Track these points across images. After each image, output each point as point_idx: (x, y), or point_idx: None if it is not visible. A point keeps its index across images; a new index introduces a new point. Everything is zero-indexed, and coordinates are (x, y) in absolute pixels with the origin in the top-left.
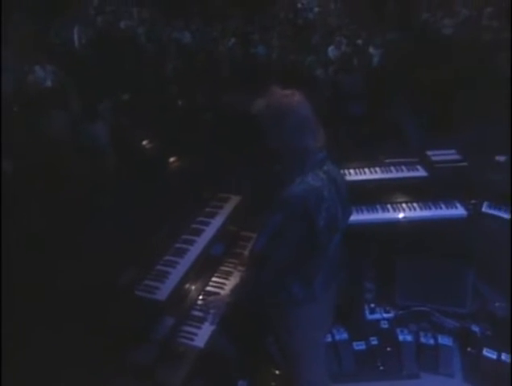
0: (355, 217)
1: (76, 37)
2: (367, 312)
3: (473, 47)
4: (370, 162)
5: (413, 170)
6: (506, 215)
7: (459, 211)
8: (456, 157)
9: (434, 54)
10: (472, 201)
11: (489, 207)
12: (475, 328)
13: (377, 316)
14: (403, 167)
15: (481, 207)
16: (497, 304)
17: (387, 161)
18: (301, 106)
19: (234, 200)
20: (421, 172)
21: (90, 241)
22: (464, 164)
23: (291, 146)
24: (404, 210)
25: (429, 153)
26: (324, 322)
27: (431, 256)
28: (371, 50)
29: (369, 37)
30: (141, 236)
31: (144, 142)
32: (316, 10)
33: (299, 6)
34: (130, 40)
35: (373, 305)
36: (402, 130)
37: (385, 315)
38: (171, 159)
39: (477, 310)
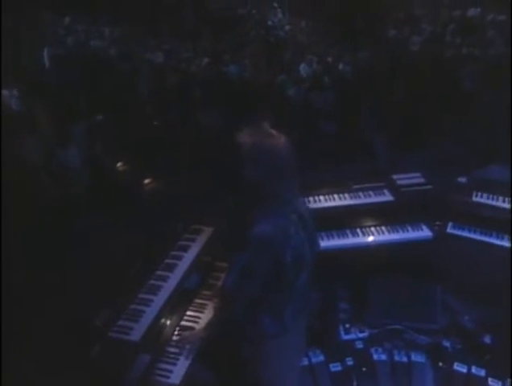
0: (326, 243)
1: (45, 58)
2: (342, 332)
3: (438, 64)
4: (339, 188)
5: (380, 195)
6: (471, 235)
7: (425, 232)
8: (421, 180)
9: (401, 71)
10: (437, 222)
11: (454, 227)
12: (446, 343)
13: (352, 336)
14: (371, 192)
15: (446, 227)
16: (466, 317)
17: (355, 186)
18: (284, 150)
19: (207, 232)
20: (388, 196)
21: (59, 279)
22: (429, 187)
23: (265, 187)
24: (373, 233)
25: (395, 177)
26: (296, 350)
27: (402, 276)
28: (341, 67)
29: (339, 54)
30: (114, 274)
31: (119, 164)
32: (287, 27)
33: (270, 23)
34: (102, 61)
35: (348, 326)
36: (372, 147)
37: (360, 335)
38: (146, 181)
39: (448, 325)
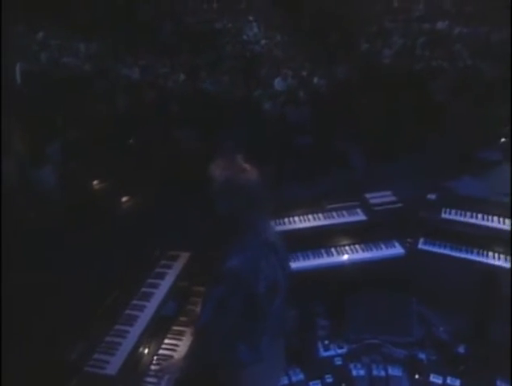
0: (302, 263)
1: (18, 74)
2: (321, 349)
3: (409, 76)
4: (314, 209)
5: (353, 215)
6: (441, 250)
7: (397, 249)
8: (392, 198)
9: (374, 83)
10: (409, 239)
11: (425, 243)
12: (421, 355)
13: (331, 353)
14: (344, 212)
15: (418, 243)
16: (441, 329)
17: (329, 206)
18: (256, 185)
19: (184, 257)
20: (361, 216)
21: (31, 310)
22: (400, 205)
23: (236, 220)
24: (348, 252)
25: (368, 195)
26: (274, 375)
27: (378, 291)
28: (316, 81)
29: (313, 68)
30: (89, 305)
31: (95, 183)
32: (263, 42)
33: (245, 38)
34: (77, 77)
35: (326, 342)
36: (348, 160)
37: (338, 351)
38: (124, 199)
39: (423, 337)
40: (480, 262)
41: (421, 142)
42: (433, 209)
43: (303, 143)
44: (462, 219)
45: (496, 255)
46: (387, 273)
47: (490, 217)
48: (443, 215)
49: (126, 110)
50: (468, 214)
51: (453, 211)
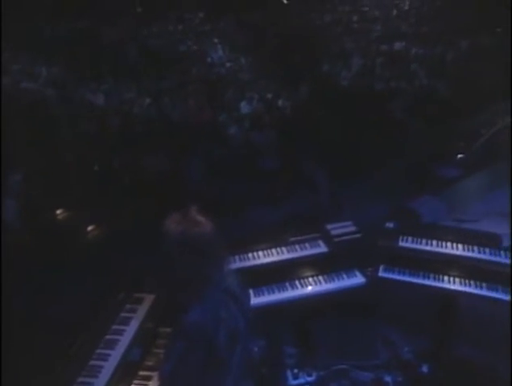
0: (268, 297)
1: None
2: (290, 378)
3: (370, 97)
4: (277, 242)
5: (315, 247)
6: (400, 277)
7: (359, 278)
8: (352, 228)
9: (336, 104)
10: (370, 268)
11: (385, 270)
12: (388, 378)
13: (300, 381)
14: (307, 244)
15: (378, 271)
16: (405, 349)
17: (292, 239)
18: (211, 237)
19: (149, 300)
20: (322, 248)
21: None
22: (359, 235)
23: (193, 273)
24: (311, 284)
25: (329, 227)
26: None
27: (344, 317)
28: (280, 103)
29: (278, 91)
30: (50, 356)
31: (58, 212)
32: (228, 64)
33: (209, 60)
34: (38, 103)
35: (296, 371)
36: (313, 182)
37: (308, 379)
38: (89, 228)
39: (389, 359)
40: (436, 287)
41: (383, 162)
42: (391, 237)
43: (268, 167)
44: (418, 246)
45: (451, 279)
46: (351, 300)
47: (444, 243)
48: (400, 243)
49: (90, 136)
50: (424, 241)
51: (410, 239)
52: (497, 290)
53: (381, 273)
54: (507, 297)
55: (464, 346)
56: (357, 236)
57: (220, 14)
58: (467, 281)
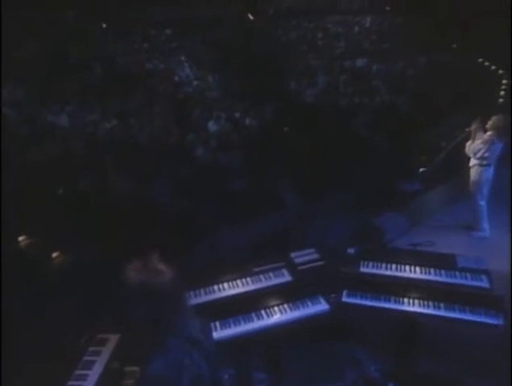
0: (234, 330)
1: None
2: None
3: (334, 113)
4: (242, 273)
5: (280, 276)
6: (362, 301)
7: (323, 305)
8: (315, 256)
9: (301, 122)
10: (333, 295)
11: (348, 295)
12: None
13: None
14: (271, 274)
15: (341, 297)
16: (372, 368)
17: (257, 269)
18: (165, 285)
19: (113, 340)
20: (286, 277)
21: None
22: (322, 263)
23: (153, 323)
24: (277, 313)
25: (292, 255)
26: None
27: (310, 342)
28: (248, 122)
29: (245, 109)
30: None
31: (21, 238)
32: (195, 83)
33: (177, 79)
34: None
35: None
36: (282, 199)
37: None
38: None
39: (356, 379)
40: (397, 310)
41: (348, 180)
42: (353, 263)
43: (236, 188)
44: (378, 271)
45: (411, 301)
46: (318, 324)
47: (403, 267)
48: (361, 269)
49: (54, 159)
50: (384, 265)
51: (370, 264)
52: (454, 310)
53: (344, 299)
54: (464, 316)
55: (427, 363)
56: (320, 263)
57: (187, 31)
58: (426, 303)
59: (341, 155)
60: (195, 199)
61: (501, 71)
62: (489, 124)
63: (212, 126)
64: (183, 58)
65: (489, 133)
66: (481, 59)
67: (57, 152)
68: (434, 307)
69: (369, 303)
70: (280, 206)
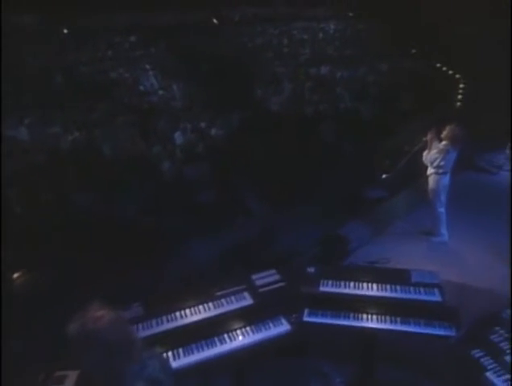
0: (197, 356)
1: None
2: None
3: (300, 121)
4: (204, 298)
5: (241, 300)
6: (323, 319)
7: (284, 326)
8: (276, 277)
9: (267, 131)
10: (294, 315)
11: (309, 315)
12: None
13: None
14: (233, 298)
15: (303, 316)
16: (338, 380)
17: (218, 293)
18: (110, 331)
19: (72, 377)
20: (248, 300)
21: None
22: (283, 284)
23: (103, 371)
24: (239, 336)
25: (254, 277)
26: None
27: (276, 359)
28: (214, 132)
29: (211, 118)
30: None
31: None
32: (161, 92)
33: (142, 88)
34: None
35: None
36: (250, 208)
37: None
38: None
39: None
40: (356, 326)
41: (315, 187)
42: (313, 282)
43: (203, 200)
44: (337, 289)
45: (369, 317)
46: (281, 344)
47: (360, 284)
48: (321, 288)
49: (13, 175)
50: (342, 283)
51: (330, 283)
52: (409, 324)
53: (305, 318)
54: (419, 329)
55: (388, 372)
56: (281, 284)
57: (152, 38)
58: (383, 318)
59: (307, 164)
60: (161, 212)
61: (457, 76)
62: (444, 134)
63: (178, 138)
64: (147, 66)
65: (443, 142)
66: (439, 64)
67: (17, 166)
68: (391, 322)
69: (329, 321)
70: (247, 216)
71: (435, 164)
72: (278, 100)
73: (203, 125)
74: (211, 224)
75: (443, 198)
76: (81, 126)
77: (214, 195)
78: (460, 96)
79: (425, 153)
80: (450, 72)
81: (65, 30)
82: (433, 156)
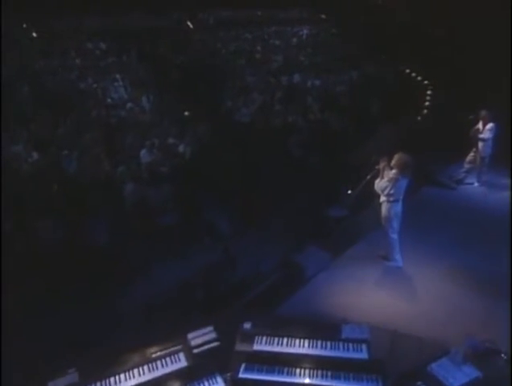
0: None
1: None
2: None
3: (269, 133)
4: (139, 361)
5: (176, 362)
6: (259, 375)
7: (219, 384)
8: (212, 335)
9: (237, 144)
10: (229, 373)
11: (245, 371)
12: None
13: None
14: (168, 360)
15: (238, 373)
16: None
17: (153, 355)
18: None
19: None
20: (183, 362)
21: None
22: (218, 343)
23: None
24: None
25: (190, 336)
26: None
27: None
28: (181, 149)
29: (179, 134)
30: None
31: None
32: (129, 105)
33: (109, 101)
34: None
35: None
36: (215, 229)
37: None
38: None
39: None
40: (290, 382)
41: (279, 207)
42: (248, 340)
43: (167, 222)
44: (270, 347)
45: (302, 371)
46: None
47: (293, 341)
48: (255, 346)
49: None
50: (276, 340)
51: (264, 340)
52: (339, 378)
53: (241, 374)
54: (348, 384)
55: None
56: (216, 344)
57: (124, 44)
58: (315, 373)
59: (274, 180)
60: (123, 237)
61: (426, 82)
62: (393, 162)
63: (144, 156)
64: (118, 76)
65: (393, 170)
66: (408, 70)
67: None
68: (322, 377)
69: (264, 377)
70: (212, 239)
71: (386, 192)
72: (247, 111)
73: (171, 141)
74: (173, 248)
75: (395, 225)
76: (45, 145)
77: (178, 217)
78: (426, 104)
79: (377, 182)
80: (418, 78)
81: (34, 34)
82: (383, 184)
